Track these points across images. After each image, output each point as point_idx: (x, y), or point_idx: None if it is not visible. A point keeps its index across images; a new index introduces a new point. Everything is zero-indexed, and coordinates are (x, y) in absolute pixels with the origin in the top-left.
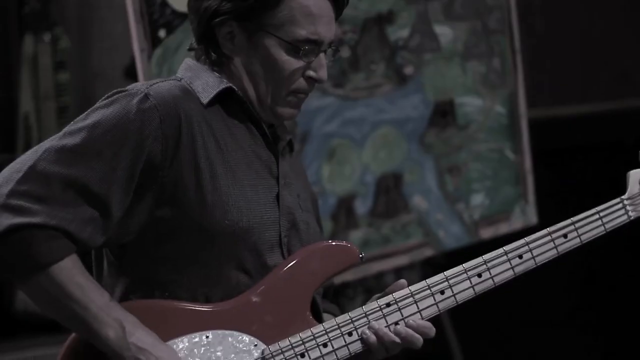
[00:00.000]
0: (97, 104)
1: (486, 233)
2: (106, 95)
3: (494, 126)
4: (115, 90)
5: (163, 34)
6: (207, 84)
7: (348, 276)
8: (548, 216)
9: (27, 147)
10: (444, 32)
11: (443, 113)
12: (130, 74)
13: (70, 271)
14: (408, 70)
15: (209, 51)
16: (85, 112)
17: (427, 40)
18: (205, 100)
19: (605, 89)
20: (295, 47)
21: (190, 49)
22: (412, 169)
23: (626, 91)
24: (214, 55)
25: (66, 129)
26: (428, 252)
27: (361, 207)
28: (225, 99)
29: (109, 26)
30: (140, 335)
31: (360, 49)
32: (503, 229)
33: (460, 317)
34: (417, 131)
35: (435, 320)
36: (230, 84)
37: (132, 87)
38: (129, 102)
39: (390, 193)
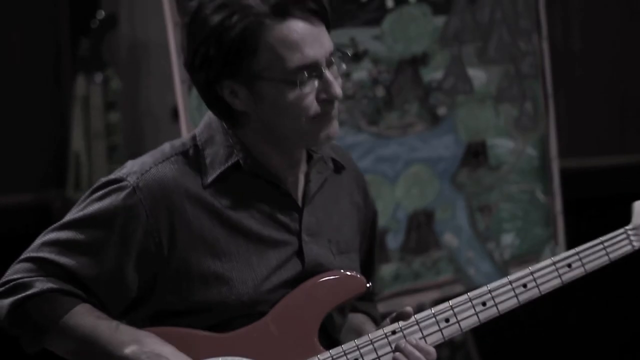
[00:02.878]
0: (90, 195)
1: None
2: (100, 183)
3: (525, 168)
4: (109, 179)
5: None
6: (216, 156)
7: (380, 309)
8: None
9: (77, 184)
10: (477, 75)
11: (475, 153)
12: (177, 114)
13: (77, 318)
14: (441, 110)
15: (222, 115)
16: (81, 201)
17: (460, 83)
18: (208, 179)
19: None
20: (294, 79)
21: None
22: (444, 207)
23: None
24: (229, 116)
25: (66, 217)
26: (458, 289)
27: (393, 242)
28: (234, 171)
29: (159, 67)
30: (156, 346)
31: (395, 88)
32: None
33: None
34: (449, 170)
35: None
36: (239, 158)
37: (126, 174)
38: (116, 197)
39: (421, 229)
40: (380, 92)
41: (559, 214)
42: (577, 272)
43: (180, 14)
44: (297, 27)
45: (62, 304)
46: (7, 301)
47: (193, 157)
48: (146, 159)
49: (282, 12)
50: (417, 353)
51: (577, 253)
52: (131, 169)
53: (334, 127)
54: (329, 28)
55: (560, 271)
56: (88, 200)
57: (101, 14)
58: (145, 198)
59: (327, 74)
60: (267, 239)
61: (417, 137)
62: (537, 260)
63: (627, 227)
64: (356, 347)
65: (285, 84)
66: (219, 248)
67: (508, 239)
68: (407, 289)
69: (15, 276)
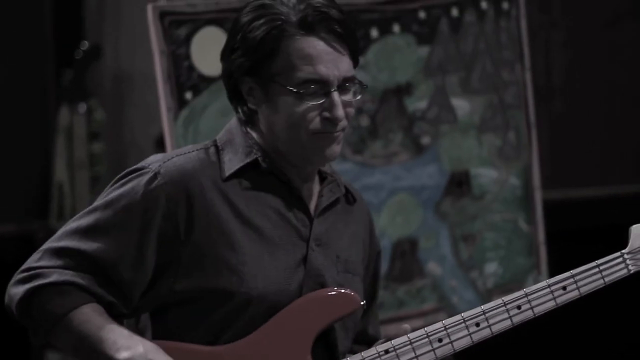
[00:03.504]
0: (114, 184)
1: None
2: (123, 173)
3: (508, 197)
4: (131, 168)
5: (189, 96)
6: (235, 154)
7: None
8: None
9: (60, 214)
10: (460, 104)
11: (459, 183)
12: (162, 144)
13: (86, 315)
14: (425, 140)
15: (238, 109)
16: (106, 188)
17: (444, 112)
18: (226, 173)
19: (622, 172)
20: (303, 90)
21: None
22: (428, 236)
23: None
24: (244, 112)
25: (88, 207)
26: (442, 317)
27: None
28: (251, 169)
29: (142, 97)
30: (153, 353)
31: (379, 118)
32: None
33: None
34: (432, 199)
35: None
36: (257, 156)
37: (149, 163)
38: (138, 182)
39: (405, 258)
40: (364, 121)
41: (542, 244)
42: (572, 294)
43: (166, 42)
44: (317, 44)
45: (75, 298)
46: (23, 288)
47: (213, 154)
48: (168, 152)
49: (307, 27)
50: None
51: (573, 276)
52: (154, 159)
53: (332, 149)
54: (354, 56)
55: (555, 294)
56: (111, 189)
57: (85, 44)
58: (166, 183)
59: (335, 95)
60: (279, 240)
61: (401, 166)
62: (520, 289)
63: (623, 251)
64: None
65: (292, 93)
66: (233, 240)
67: (491, 267)
68: (391, 317)
69: (35, 264)
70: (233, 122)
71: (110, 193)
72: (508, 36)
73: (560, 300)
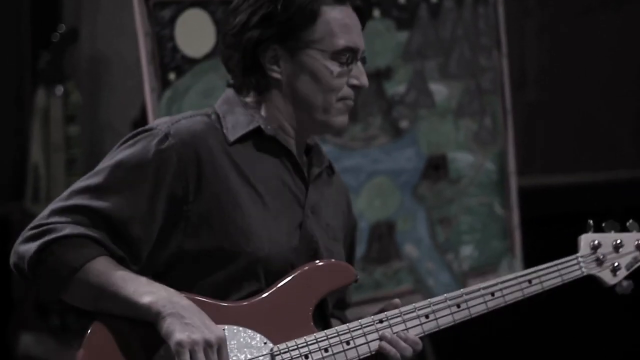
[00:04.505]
0: (123, 143)
1: (474, 283)
2: (132, 134)
3: (484, 181)
4: (140, 129)
5: (173, 77)
6: (237, 122)
7: None
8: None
9: (35, 196)
10: (438, 89)
11: (436, 167)
12: (138, 127)
13: (102, 266)
14: (403, 124)
15: (252, 81)
16: (113, 149)
17: (422, 97)
18: (231, 138)
19: (595, 159)
20: (337, 57)
21: (229, 86)
22: (405, 218)
23: (616, 163)
24: (258, 83)
25: (95, 169)
26: (418, 299)
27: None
28: (254, 136)
29: (120, 80)
30: (180, 298)
31: (359, 101)
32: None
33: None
34: (410, 182)
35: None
36: (260, 124)
37: (157, 124)
38: (149, 142)
39: (383, 240)
40: None
41: (516, 228)
42: (536, 287)
43: (151, 23)
44: (351, 15)
45: (91, 250)
46: (35, 244)
47: (215, 120)
48: (173, 116)
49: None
50: (403, 343)
51: (536, 271)
52: (161, 121)
53: (346, 118)
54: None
55: (522, 285)
56: (119, 149)
57: (62, 27)
58: (177, 143)
59: (360, 64)
60: (280, 204)
61: (380, 149)
62: (495, 272)
63: (577, 255)
64: (348, 330)
65: (331, 58)
66: (240, 202)
67: (467, 250)
68: (368, 298)
69: (45, 221)
70: (229, 93)
71: (120, 152)
72: (486, 23)
73: (526, 291)
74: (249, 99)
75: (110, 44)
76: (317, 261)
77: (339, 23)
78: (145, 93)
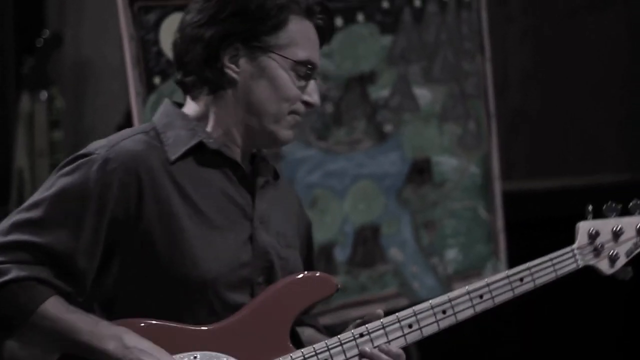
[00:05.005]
0: (61, 170)
1: (459, 287)
2: (70, 159)
3: (468, 185)
4: (78, 154)
5: (158, 81)
6: (178, 138)
7: (327, 320)
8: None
9: (20, 200)
10: (423, 94)
11: (420, 171)
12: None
13: (55, 308)
14: (388, 128)
15: (207, 77)
16: (50, 178)
17: (406, 101)
18: (172, 156)
19: (580, 163)
20: (297, 68)
21: (177, 82)
22: (390, 222)
23: (601, 166)
24: (212, 80)
25: (33, 197)
26: (403, 302)
27: (340, 255)
28: (197, 151)
29: (104, 85)
30: (138, 341)
31: (343, 105)
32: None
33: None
34: (394, 186)
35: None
36: (202, 138)
37: (95, 149)
38: (89, 169)
39: (368, 243)
40: (329, 108)
41: (501, 232)
42: (528, 285)
43: (135, 27)
44: (314, 31)
45: (40, 292)
46: None
47: (155, 137)
48: (110, 137)
49: (310, 13)
50: (385, 357)
51: (529, 268)
52: (97, 145)
53: (292, 133)
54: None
55: (514, 284)
56: (56, 177)
57: (46, 32)
58: (118, 168)
59: (314, 82)
60: (227, 220)
61: (364, 153)
62: (480, 276)
63: (573, 247)
64: (326, 348)
65: (292, 67)
66: (184, 223)
67: (451, 254)
68: (353, 301)
69: None
70: (167, 105)
71: (59, 181)
72: (469, 27)
73: (517, 290)
74: (189, 110)
75: (95, 49)
76: (294, 275)
77: (304, 35)
78: (130, 97)
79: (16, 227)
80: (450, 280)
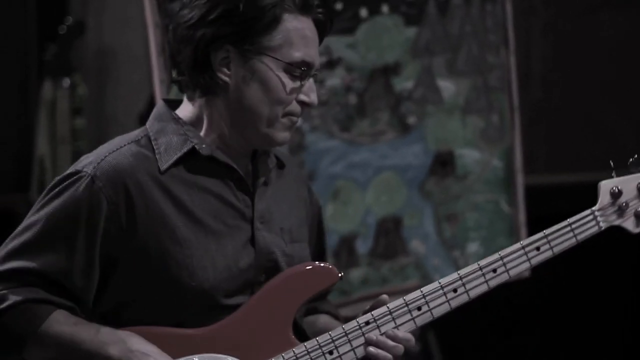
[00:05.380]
0: (51, 192)
1: None
2: (58, 180)
3: (491, 178)
4: (66, 174)
5: None
6: (170, 144)
7: (348, 312)
8: (540, 269)
9: (41, 188)
10: (446, 86)
11: (443, 163)
12: (145, 120)
13: (57, 324)
14: (411, 120)
15: (198, 81)
16: (41, 198)
17: (430, 93)
18: (164, 165)
19: (599, 158)
20: (292, 69)
21: (173, 82)
22: (412, 214)
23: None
24: (204, 84)
25: (26, 220)
26: None
27: (362, 246)
28: (189, 157)
29: (126, 74)
30: (141, 345)
31: (367, 96)
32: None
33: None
34: (417, 178)
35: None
36: (194, 143)
37: (82, 166)
38: (77, 189)
39: (390, 235)
40: (352, 99)
41: (523, 225)
42: (546, 255)
43: (160, 15)
44: (312, 28)
45: (38, 313)
46: None
47: (146, 145)
48: (99, 150)
49: (306, 9)
50: (391, 343)
51: (546, 236)
52: (86, 162)
53: (288, 135)
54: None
55: (530, 255)
56: (46, 199)
57: (69, 20)
58: (105, 185)
59: (312, 81)
60: (223, 226)
61: (387, 144)
62: None
63: (593, 208)
64: (331, 340)
65: (285, 69)
66: (178, 234)
67: (473, 247)
68: (375, 293)
69: None
70: (161, 107)
71: (47, 204)
72: (493, 20)
73: (534, 261)
74: (184, 112)
75: (117, 37)
76: (292, 269)
77: (299, 34)
78: (154, 85)
79: (11, 254)
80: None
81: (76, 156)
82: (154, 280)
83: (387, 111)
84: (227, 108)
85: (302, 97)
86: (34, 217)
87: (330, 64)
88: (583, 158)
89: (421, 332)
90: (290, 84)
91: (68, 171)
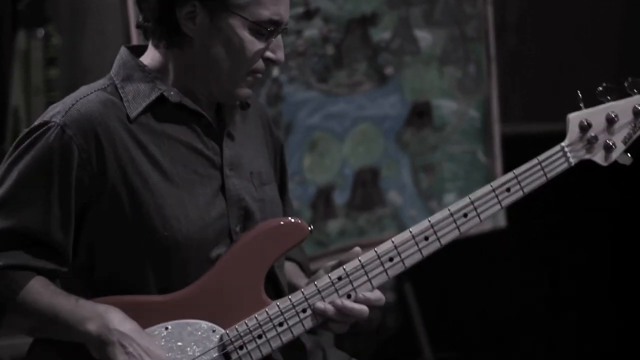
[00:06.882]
0: (21, 145)
1: None
2: (27, 132)
3: (467, 129)
4: (35, 126)
5: None
6: (137, 92)
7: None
8: (516, 219)
9: (15, 139)
10: (423, 36)
11: (420, 114)
12: None
13: (34, 295)
14: (388, 70)
15: (163, 32)
16: (10, 155)
17: (407, 44)
18: (133, 113)
19: (576, 107)
20: (258, 28)
21: (138, 27)
22: (389, 165)
23: None
24: (170, 37)
25: None
26: None
27: (339, 198)
28: (158, 105)
29: (100, 24)
30: (120, 322)
31: (344, 47)
32: (473, 228)
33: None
34: (394, 129)
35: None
36: (162, 90)
37: (50, 116)
38: (46, 141)
39: (367, 186)
40: (330, 50)
41: (500, 175)
42: (517, 195)
43: None
44: None
45: (16, 280)
46: None
47: (113, 93)
48: (66, 100)
49: None
50: (357, 307)
51: (516, 176)
52: (54, 112)
53: (250, 91)
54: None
55: (500, 197)
56: (17, 153)
57: None
58: (75, 134)
59: (280, 38)
60: (194, 174)
61: (364, 95)
62: None
63: (562, 144)
64: (304, 298)
65: (251, 27)
66: (149, 183)
67: (450, 198)
68: (352, 244)
69: None
70: (125, 55)
71: (18, 158)
72: None
73: (505, 202)
74: (149, 59)
75: None
76: (261, 226)
77: None
78: (131, 34)
79: None
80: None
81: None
82: (127, 232)
83: (364, 62)
84: (192, 62)
85: (269, 54)
86: (6, 173)
87: (308, 14)
88: (559, 107)
89: (397, 283)
90: (256, 43)
91: (36, 122)
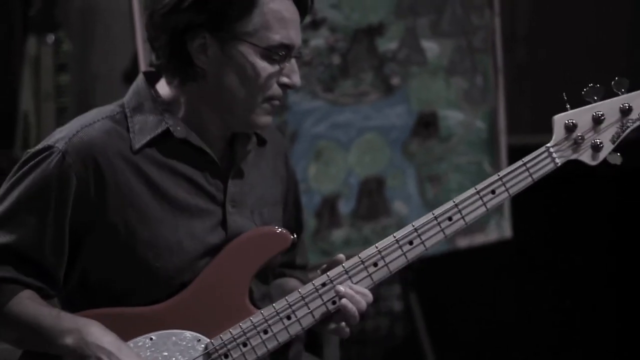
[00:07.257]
0: (24, 167)
1: (462, 242)
2: (30, 155)
3: (473, 140)
4: (38, 149)
5: None
6: (145, 124)
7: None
8: (523, 230)
9: (25, 144)
10: (430, 47)
11: (426, 124)
12: (129, 78)
13: (20, 306)
14: (395, 80)
15: (176, 67)
16: (12, 176)
17: (414, 54)
18: (137, 145)
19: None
20: (270, 53)
21: (151, 65)
22: (395, 175)
23: None
24: (186, 71)
25: None
26: None
27: (344, 207)
28: (163, 139)
29: (110, 30)
30: (98, 335)
31: (351, 57)
32: (479, 239)
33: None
34: (400, 139)
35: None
36: (169, 125)
37: (54, 141)
38: (47, 166)
39: (372, 196)
40: (336, 59)
41: None
42: (502, 197)
43: None
44: (290, 8)
45: (4, 292)
46: None
47: (121, 122)
48: (73, 123)
49: None
50: (357, 296)
51: (500, 178)
52: (59, 136)
53: (270, 119)
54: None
55: (485, 199)
56: (19, 175)
57: None
58: (75, 162)
59: (294, 62)
60: (194, 208)
61: (370, 105)
62: (483, 231)
63: (548, 145)
64: (288, 305)
65: (262, 53)
66: (147, 214)
67: None
68: (357, 254)
69: None
70: (141, 83)
71: (20, 180)
72: None
73: (490, 204)
74: (163, 91)
75: None
76: (241, 237)
77: (276, 16)
78: (137, 43)
79: None
80: (454, 234)
81: (60, 112)
82: (120, 259)
83: (370, 72)
84: (206, 94)
85: (284, 79)
86: (7, 192)
87: (314, 24)
88: None
89: (403, 292)
90: (269, 68)
91: (40, 146)
